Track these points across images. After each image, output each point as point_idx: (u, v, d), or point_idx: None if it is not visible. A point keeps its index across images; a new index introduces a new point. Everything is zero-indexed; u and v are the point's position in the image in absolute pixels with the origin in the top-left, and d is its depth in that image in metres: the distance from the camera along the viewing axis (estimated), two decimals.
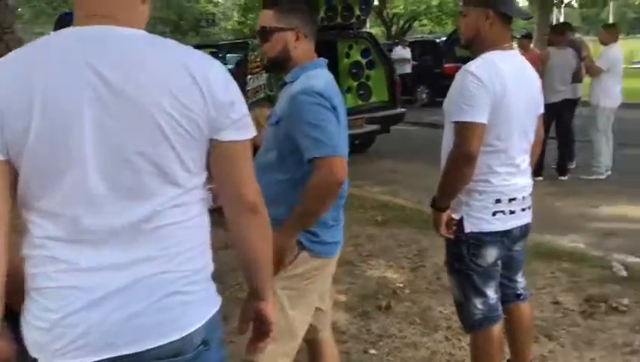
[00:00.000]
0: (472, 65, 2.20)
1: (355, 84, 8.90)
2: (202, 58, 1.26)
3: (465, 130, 2.17)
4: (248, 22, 30.04)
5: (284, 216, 1.96)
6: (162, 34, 1.34)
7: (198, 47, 8.88)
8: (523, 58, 2.40)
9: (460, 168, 2.21)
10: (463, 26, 2.32)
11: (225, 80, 1.27)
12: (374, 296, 3.86)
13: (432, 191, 2.42)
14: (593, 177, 7.08)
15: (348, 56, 8.90)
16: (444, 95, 2.29)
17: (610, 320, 3.43)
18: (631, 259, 4.36)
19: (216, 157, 1.27)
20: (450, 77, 2.35)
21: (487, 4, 2.23)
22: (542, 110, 2.46)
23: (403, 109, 8.97)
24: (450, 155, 2.23)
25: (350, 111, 8.80)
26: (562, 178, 7.16)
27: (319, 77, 2.06)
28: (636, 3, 31.16)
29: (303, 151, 1.96)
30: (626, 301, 3.62)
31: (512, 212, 2.32)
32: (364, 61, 8.90)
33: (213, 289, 1.34)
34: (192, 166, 1.24)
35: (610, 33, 7.07)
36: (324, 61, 2.18)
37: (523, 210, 2.37)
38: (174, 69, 1.20)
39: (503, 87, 2.18)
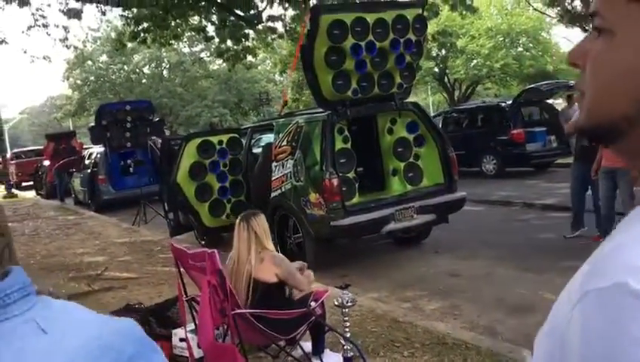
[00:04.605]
0: None
1: (401, 165, 7.25)
2: None
3: None
4: (303, 98, 29.46)
5: None
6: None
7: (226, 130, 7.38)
8: None
9: None
10: (592, 71, 0.59)
11: None
12: None
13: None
14: None
15: (391, 132, 7.33)
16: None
17: None
18: None
19: None
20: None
21: None
22: None
23: (463, 193, 7.24)
24: None
25: (398, 200, 7.10)
26: None
27: None
28: None
29: None
30: None
31: None
32: (411, 137, 7.29)
33: None
34: None
35: None
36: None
37: None
38: None
39: None
